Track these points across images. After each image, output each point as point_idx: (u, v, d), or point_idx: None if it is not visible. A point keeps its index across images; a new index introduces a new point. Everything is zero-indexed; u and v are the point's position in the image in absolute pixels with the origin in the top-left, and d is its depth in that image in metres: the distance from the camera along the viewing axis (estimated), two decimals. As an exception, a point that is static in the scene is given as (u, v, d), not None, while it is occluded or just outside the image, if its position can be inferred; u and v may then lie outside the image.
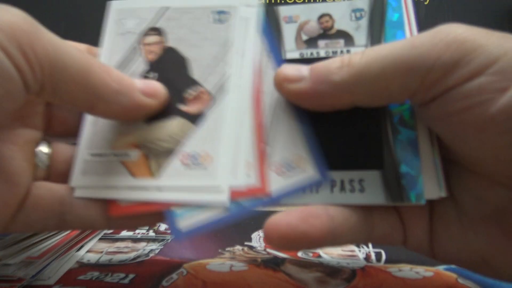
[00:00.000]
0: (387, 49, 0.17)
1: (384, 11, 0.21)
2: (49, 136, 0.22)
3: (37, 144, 0.21)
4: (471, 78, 0.16)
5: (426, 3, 0.69)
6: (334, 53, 0.21)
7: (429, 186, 0.19)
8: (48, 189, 0.20)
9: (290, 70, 0.19)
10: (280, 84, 0.19)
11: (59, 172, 0.21)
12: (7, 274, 0.22)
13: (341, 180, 0.19)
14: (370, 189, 0.18)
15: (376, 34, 0.21)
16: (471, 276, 0.24)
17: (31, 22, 0.16)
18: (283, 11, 0.22)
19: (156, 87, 0.20)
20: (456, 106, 0.16)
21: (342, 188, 0.19)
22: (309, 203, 0.19)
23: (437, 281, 0.23)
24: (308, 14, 0.22)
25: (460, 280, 0.23)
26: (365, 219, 0.19)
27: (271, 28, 0.22)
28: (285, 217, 0.17)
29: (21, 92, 0.16)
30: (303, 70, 0.18)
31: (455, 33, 0.16)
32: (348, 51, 0.21)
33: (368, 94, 0.18)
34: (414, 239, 0.20)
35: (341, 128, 0.20)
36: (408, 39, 0.17)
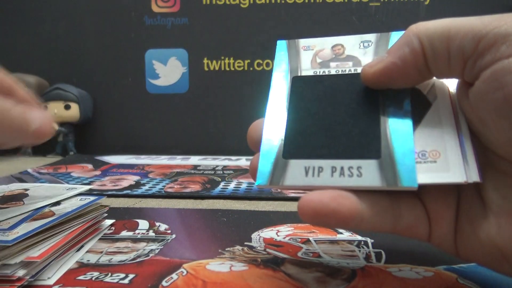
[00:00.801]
0: (455, 18, 0.20)
1: (388, 42, 0.24)
2: None
3: None
4: None
5: (426, 3, 0.69)
6: (343, 71, 0.24)
7: (454, 172, 0.20)
8: None
9: (372, 61, 0.22)
10: (365, 72, 0.22)
11: None
12: (7, 274, 0.22)
13: (341, 167, 0.21)
14: (367, 174, 0.20)
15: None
16: (471, 276, 0.24)
17: None
18: (302, 42, 0.26)
19: (46, 128, 0.24)
20: (502, 80, 0.18)
21: (342, 173, 0.20)
22: (311, 185, 0.20)
23: (437, 281, 0.23)
24: (323, 45, 0.26)
25: (460, 280, 0.23)
26: (392, 207, 0.21)
27: (291, 54, 0.26)
28: (317, 195, 0.19)
29: None
30: (383, 55, 0.22)
31: None
32: (355, 70, 0.24)
33: (434, 51, 0.20)
34: (439, 234, 0.21)
35: (344, 126, 0.22)
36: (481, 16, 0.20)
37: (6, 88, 0.25)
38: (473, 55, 0.19)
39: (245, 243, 0.29)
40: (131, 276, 0.24)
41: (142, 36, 0.74)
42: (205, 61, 0.73)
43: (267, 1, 0.72)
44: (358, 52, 0.24)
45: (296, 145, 0.22)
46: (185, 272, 0.25)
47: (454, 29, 0.19)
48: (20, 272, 0.22)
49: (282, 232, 0.31)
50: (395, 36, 0.24)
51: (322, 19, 0.71)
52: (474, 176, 0.19)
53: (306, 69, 0.25)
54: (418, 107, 0.22)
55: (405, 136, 0.21)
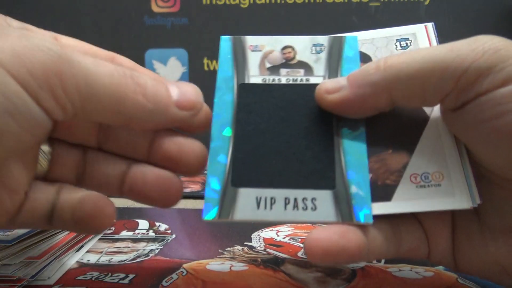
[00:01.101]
0: (425, 51, 0.18)
1: (341, 48, 0.23)
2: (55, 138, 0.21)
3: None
4: (504, 84, 0.16)
5: (426, 3, 0.69)
6: (295, 80, 0.22)
7: (460, 196, 0.19)
8: (42, 192, 0.19)
9: (329, 83, 0.20)
10: (321, 97, 0.20)
11: (55, 171, 0.21)
12: (7, 274, 0.22)
13: (295, 198, 0.19)
14: (322, 208, 0.19)
15: (333, 67, 0.22)
16: (471, 276, 0.24)
17: (64, 59, 0.16)
18: (250, 40, 0.24)
19: (192, 99, 0.20)
20: (488, 112, 0.17)
21: (295, 206, 0.19)
22: (264, 220, 0.19)
23: (437, 281, 0.23)
24: (272, 45, 0.23)
25: (460, 280, 0.23)
26: (393, 234, 0.20)
27: (237, 55, 0.23)
28: (325, 232, 0.18)
29: (48, 129, 0.16)
30: (341, 80, 0.20)
31: (491, 41, 0.17)
32: (307, 80, 0.22)
33: (404, 92, 0.18)
34: (438, 252, 0.21)
35: (297, 149, 0.20)
36: (447, 44, 0.18)
37: (131, 67, 0.21)
38: (454, 90, 0.18)
39: (245, 243, 0.29)
40: (131, 276, 0.24)
41: (142, 36, 0.74)
42: (205, 61, 0.73)
43: (267, 1, 0.72)
44: (310, 57, 0.23)
45: (246, 170, 0.20)
46: (185, 272, 0.24)
47: (429, 68, 0.18)
48: (20, 272, 0.22)
49: (282, 232, 0.31)
50: (349, 41, 0.23)
51: (322, 19, 0.71)
52: (477, 199, 0.19)
53: (254, 75, 0.23)
54: (415, 122, 0.21)
55: (360, 163, 0.20)
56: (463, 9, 0.68)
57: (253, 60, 0.23)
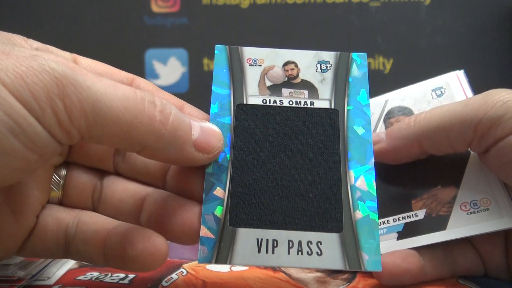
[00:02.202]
0: (446, 107, 0.21)
1: (349, 67, 0.21)
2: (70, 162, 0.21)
3: (55, 168, 0.20)
4: None
5: (426, 3, 0.69)
6: (298, 103, 0.21)
7: (508, 217, 0.21)
8: (55, 218, 0.19)
9: (372, 137, 0.22)
10: None
11: (70, 196, 0.20)
12: (7, 274, 0.22)
13: (299, 241, 0.18)
14: (328, 253, 0.18)
15: (340, 89, 0.21)
16: (471, 276, 0.24)
17: (70, 81, 0.14)
18: (247, 52, 0.22)
19: (212, 143, 0.18)
20: (509, 156, 0.20)
21: (299, 250, 0.18)
22: (266, 265, 0.19)
23: (437, 281, 0.23)
24: (273, 59, 0.22)
25: (460, 281, 0.23)
26: (446, 257, 0.22)
27: (234, 69, 0.21)
28: (390, 257, 0.22)
29: (56, 150, 0.15)
30: (381, 134, 0.23)
31: (499, 95, 0.20)
32: (312, 103, 0.21)
33: (432, 141, 0.22)
34: (494, 268, 0.23)
35: (301, 184, 0.19)
36: (464, 99, 0.21)
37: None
38: (475, 138, 0.21)
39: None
40: (131, 276, 0.24)
41: (142, 36, 0.74)
42: (205, 61, 0.73)
43: (267, 2, 0.72)
44: (315, 77, 0.21)
45: (245, 208, 0.19)
46: (185, 272, 0.24)
47: (449, 121, 0.21)
48: (20, 272, 0.22)
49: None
50: (357, 59, 0.22)
51: (322, 20, 0.71)
52: None
53: (253, 95, 0.21)
54: (459, 158, 0.23)
55: (369, 202, 0.19)
56: (463, 9, 0.68)
57: (252, 77, 0.21)
